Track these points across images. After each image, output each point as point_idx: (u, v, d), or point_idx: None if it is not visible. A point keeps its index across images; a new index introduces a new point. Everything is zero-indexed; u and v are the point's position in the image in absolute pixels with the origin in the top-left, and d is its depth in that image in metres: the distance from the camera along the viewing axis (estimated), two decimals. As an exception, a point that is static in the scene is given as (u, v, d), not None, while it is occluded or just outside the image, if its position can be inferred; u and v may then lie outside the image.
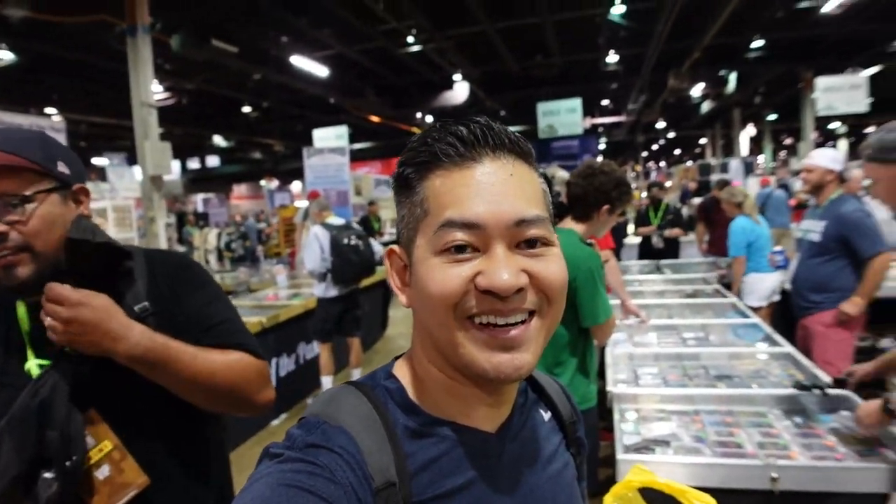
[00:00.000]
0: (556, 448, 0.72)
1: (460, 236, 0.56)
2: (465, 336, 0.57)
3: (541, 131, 14.18)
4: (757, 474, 1.58)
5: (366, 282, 4.99)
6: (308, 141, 14.37)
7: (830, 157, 3.20)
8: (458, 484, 0.61)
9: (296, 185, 23.37)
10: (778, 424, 1.92)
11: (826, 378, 2.13)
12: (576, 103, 13.35)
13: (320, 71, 11.33)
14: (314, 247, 4.43)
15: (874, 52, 13.14)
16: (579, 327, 2.08)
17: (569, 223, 2.21)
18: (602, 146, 22.72)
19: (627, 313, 3.21)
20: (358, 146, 20.62)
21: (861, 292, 2.97)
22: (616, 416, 2.03)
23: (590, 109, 17.98)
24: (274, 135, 20.66)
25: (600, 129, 21.71)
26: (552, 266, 0.59)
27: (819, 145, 16.14)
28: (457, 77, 14.13)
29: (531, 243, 0.58)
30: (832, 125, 17.37)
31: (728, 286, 4.30)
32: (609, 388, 2.23)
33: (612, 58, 13.26)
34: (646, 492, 0.89)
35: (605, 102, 19.72)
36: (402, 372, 0.67)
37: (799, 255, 3.41)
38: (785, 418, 1.97)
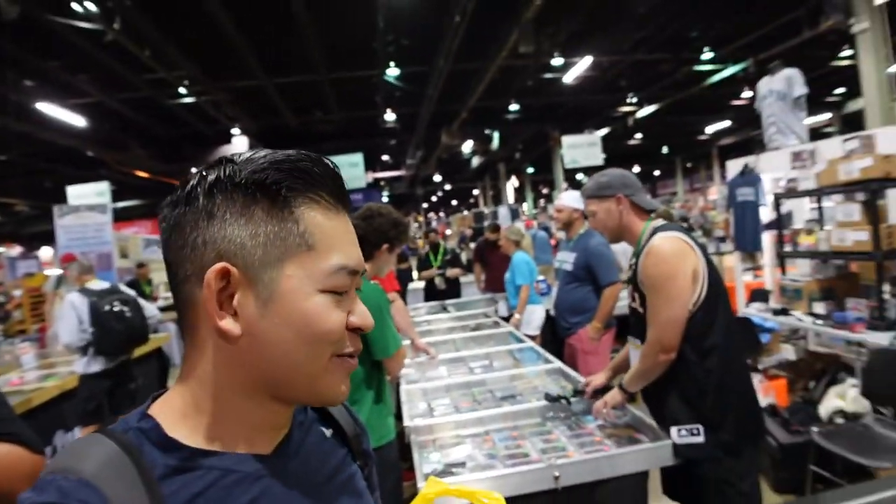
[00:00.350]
0: (342, 461, 0.72)
1: (347, 282, 0.60)
2: (329, 368, 0.60)
3: (328, 187, 14.19)
4: (542, 476, 1.72)
5: (139, 351, 4.43)
6: (60, 199, 12.49)
7: (576, 198, 3.73)
8: None
9: (45, 251, 20.01)
10: (556, 430, 2.12)
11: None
12: (357, 158, 13.74)
13: (75, 120, 9.90)
14: (70, 317, 3.83)
15: (603, 116, 15.93)
16: (372, 361, 2.11)
17: None
18: (385, 199, 23.59)
19: (417, 351, 3.32)
20: (123, 204, 18.53)
21: (597, 317, 3.53)
22: (414, 449, 2.05)
23: (371, 164, 18.63)
24: (15, 193, 17.67)
25: (382, 183, 22.61)
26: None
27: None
28: (235, 131, 13.65)
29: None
30: (578, 176, 20.43)
31: (507, 319, 4.69)
32: (406, 423, 2.26)
33: (390, 116, 14.02)
34: None
35: (385, 157, 20.66)
36: (162, 410, 0.61)
37: (558, 283, 3.90)
38: (562, 424, 2.18)
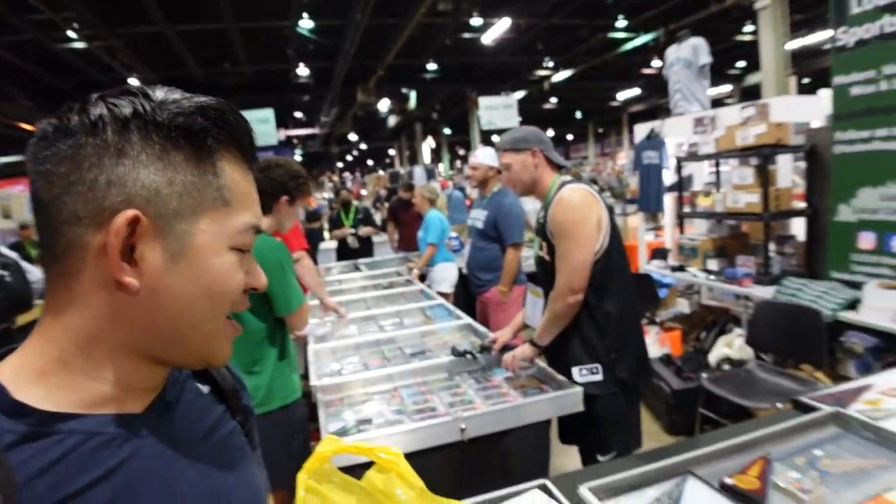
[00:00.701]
0: (219, 418, 0.69)
1: (251, 241, 0.59)
2: (221, 328, 0.59)
3: (233, 141, 13.49)
4: (449, 429, 1.72)
5: (23, 318, 4.05)
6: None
7: (491, 156, 3.72)
8: (97, 475, 0.51)
9: None
10: (464, 384, 2.13)
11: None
12: (268, 113, 13.09)
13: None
14: (-64, 282, 3.43)
15: (520, 79, 16.02)
16: (274, 318, 2.04)
17: None
18: (298, 157, 22.81)
19: (327, 310, 3.24)
20: (5, 160, 16.78)
21: (502, 281, 3.58)
22: (320, 409, 2.00)
23: (283, 121, 17.87)
24: None
25: (295, 141, 21.80)
26: None
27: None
28: (133, 81, 12.59)
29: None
30: (494, 137, 20.55)
31: (422, 278, 4.67)
32: (312, 383, 2.20)
33: (303, 70, 13.40)
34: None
35: (298, 114, 19.86)
36: (14, 369, 0.53)
37: (470, 241, 3.91)
38: (469, 378, 2.20)
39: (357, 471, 0.91)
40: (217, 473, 0.63)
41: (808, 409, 1.61)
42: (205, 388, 0.69)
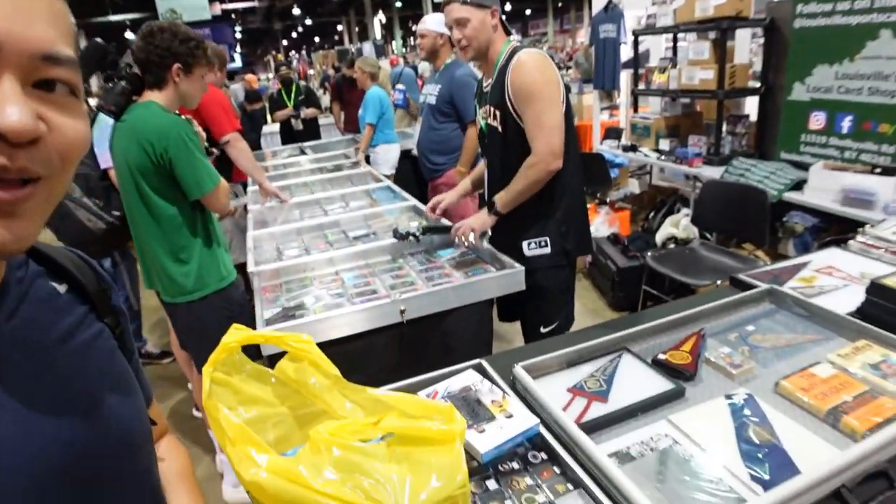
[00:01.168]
0: (81, 320, 0.61)
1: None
2: None
3: (161, 17, 12.33)
4: (389, 311, 1.68)
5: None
6: None
7: (439, 22, 3.37)
8: None
9: None
10: (407, 266, 2.08)
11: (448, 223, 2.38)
12: (199, -19, 11.91)
13: None
14: None
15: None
16: (190, 204, 1.92)
17: (147, 95, 1.94)
18: (238, 34, 21.17)
19: (267, 195, 3.08)
20: None
21: (462, 161, 3.34)
22: (256, 296, 1.92)
23: (218, -10, 16.30)
24: None
25: (233, 16, 20.07)
26: (79, 123, 0.47)
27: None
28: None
29: (50, 85, 0.44)
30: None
31: (368, 160, 4.49)
32: (250, 269, 2.10)
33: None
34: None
35: (235, -17, 18.15)
36: None
37: (421, 120, 3.68)
38: (413, 259, 2.14)
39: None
40: (80, 379, 0.55)
41: (746, 286, 1.62)
42: (62, 288, 0.60)
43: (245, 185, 3.68)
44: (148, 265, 2.07)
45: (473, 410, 1.06)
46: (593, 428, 1.09)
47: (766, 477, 0.92)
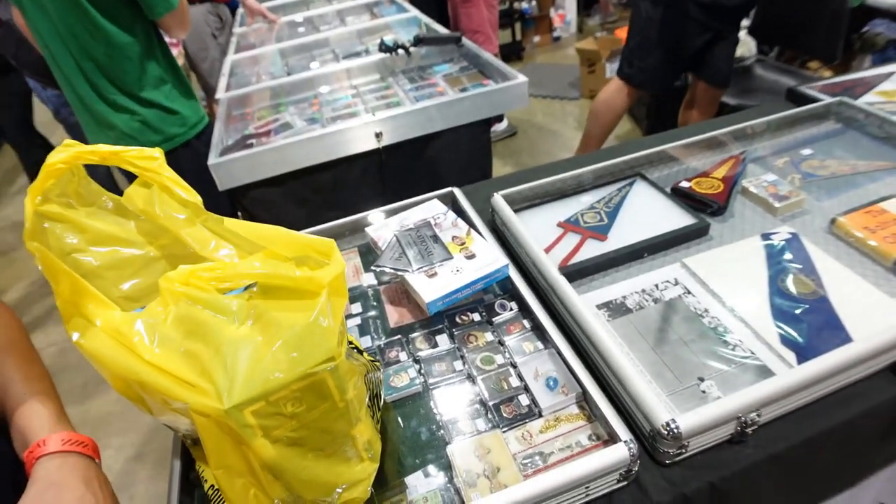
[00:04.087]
0: None
1: None
2: None
3: None
4: (362, 135, 1.41)
5: None
6: None
7: None
8: None
9: None
10: (396, 86, 1.76)
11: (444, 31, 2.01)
12: None
13: None
14: None
15: None
16: (147, 27, 1.46)
17: None
18: None
19: (253, 15, 2.69)
20: None
21: None
22: (218, 125, 1.63)
23: None
24: None
25: None
26: None
27: None
28: None
29: None
30: None
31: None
32: (218, 95, 1.82)
33: None
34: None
35: None
36: None
37: None
38: (404, 77, 1.82)
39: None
40: None
41: (806, 100, 1.27)
42: None
43: (234, 7, 3.25)
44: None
45: (427, 249, 0.84)
46: (582, 272, 0.86)
47: (802, 341, 0.69)
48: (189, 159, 1.57)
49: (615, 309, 0.79)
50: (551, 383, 0.67)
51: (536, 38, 4.75)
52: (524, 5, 4.55)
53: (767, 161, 1.11)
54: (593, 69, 3.59)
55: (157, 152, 0.58)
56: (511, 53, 4.50)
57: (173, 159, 1.56)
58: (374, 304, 0.87)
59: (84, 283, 0.54)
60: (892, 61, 2.64)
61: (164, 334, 0.49)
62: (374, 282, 0.91)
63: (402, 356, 0.76)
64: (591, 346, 0.70)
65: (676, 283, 0.83)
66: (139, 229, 0.65)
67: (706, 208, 0.96)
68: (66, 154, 0.57)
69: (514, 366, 0.71)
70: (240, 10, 3.10)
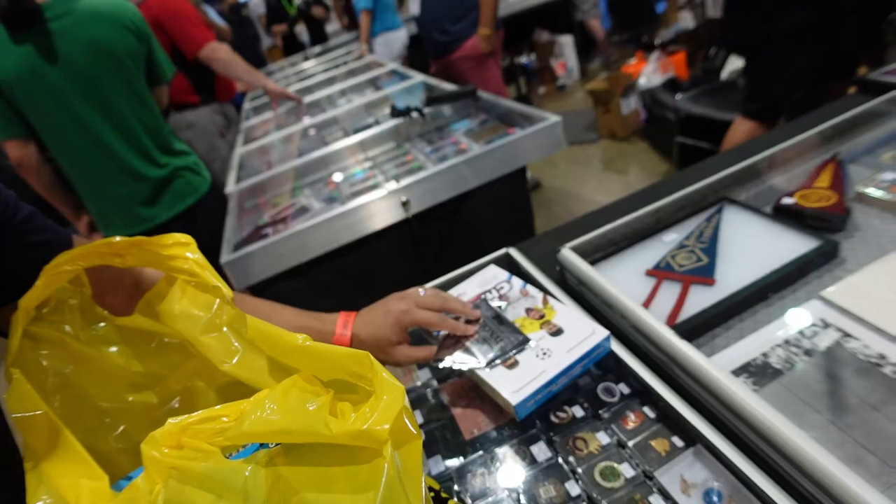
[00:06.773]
0: None
1: None
2: None
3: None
4: (388, 207, 1.26)
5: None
6: None
7: None
8: None
9: None
10: (414, 151, 1.63)
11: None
12: None
13: None
14: None
15: None
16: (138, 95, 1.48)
17: None
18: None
19: (276, 98, 2.60)
20: None
21: (483, 21, 2.72)
22: (229, 218, 1.53)
23: None
24: None
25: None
26: None
27: None
28: None
29: None
30: None
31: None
32: (227, 190, 1.72)
33: None
34: None
35: None
36: None
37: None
38: (422, 141, 1.69)
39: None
40: None
41: (881, 88, 1.10)
42: None
43: (238, 105, 3.23)
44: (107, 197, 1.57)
45: (493, 333, 0.65)
46: (698, 329, 0.67)
47: None
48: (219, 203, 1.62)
49: (759, 372, 0.60)
50: (715, 499, 0.47)
51: (542, 89, 4.70)
52: (524, 59, 4.53)
53: (866, 159, 0.92)
54: (608, 108, 3.47)
55: (186, 238, 0.42)
56: (519, 107, 4.44)
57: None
58: (438, 406, 0.68)
59: (70, 437, 0.38)
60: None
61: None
62: (431, 375, 0.73)
63: (490, 482, 0.56)
64: (749, 431, 0.50)
65: (826, 326, 0.63)
66: (150, 356, 0.49)
67: (825, 225, 0.77)
68: (67, 257, 0.42)
69: (649, 477, 0.52)
70: (245, 106, 3.07)
